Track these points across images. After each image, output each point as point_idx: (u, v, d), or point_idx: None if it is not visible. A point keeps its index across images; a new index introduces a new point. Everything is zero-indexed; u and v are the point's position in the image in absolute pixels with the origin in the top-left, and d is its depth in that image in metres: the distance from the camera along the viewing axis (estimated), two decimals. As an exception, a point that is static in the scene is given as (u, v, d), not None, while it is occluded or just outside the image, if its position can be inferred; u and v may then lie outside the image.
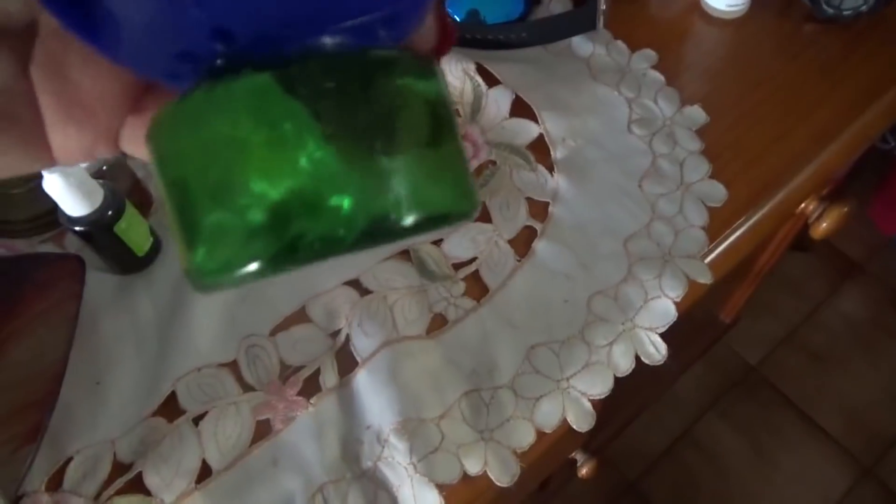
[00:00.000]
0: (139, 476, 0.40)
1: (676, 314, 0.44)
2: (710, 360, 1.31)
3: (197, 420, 0.41)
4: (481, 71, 0.55)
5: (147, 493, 0.39)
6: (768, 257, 0.96)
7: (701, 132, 0.52)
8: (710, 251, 0.47)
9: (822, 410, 1.27)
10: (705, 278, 0.46)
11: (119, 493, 0.39)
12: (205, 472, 0.40)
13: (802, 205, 0.61)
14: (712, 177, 0.50)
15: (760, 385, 1.31)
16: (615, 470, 1.21)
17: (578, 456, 0.90)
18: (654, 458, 1.23)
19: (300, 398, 0.42)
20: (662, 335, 0.44)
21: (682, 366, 1.25)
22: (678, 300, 0.45)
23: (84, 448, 0.41)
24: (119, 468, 0.40)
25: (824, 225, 0.64)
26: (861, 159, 0.78)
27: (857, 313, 1.37)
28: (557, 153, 0.51)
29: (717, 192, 0.49)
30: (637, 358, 0.43)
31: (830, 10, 0.57)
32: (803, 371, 1.31)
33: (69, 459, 0.40)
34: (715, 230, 0.48)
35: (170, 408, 0.42)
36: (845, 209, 0.63)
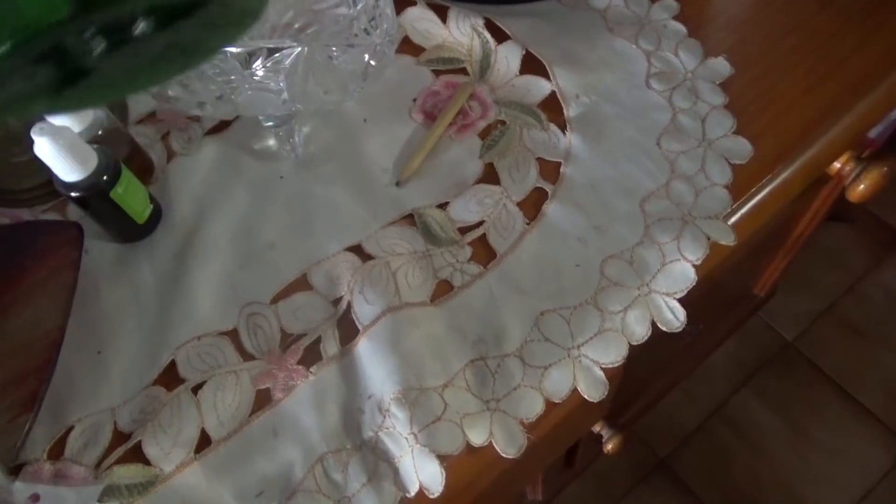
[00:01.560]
0: (139, 445, 0.39)
1: (696, 278, 0.41)
2: (744, 334, 1.27)
3: (196, 389, 0.40)
4: (490, 26, 0.52)
5: (147, 462, 0.39)
6: (804, 227, 0.92)
7: (725, 85, 0.49)
8: (734, 211, 0.44)
9: (863, 387, 1.22)
10: (728, 240, 0.43)
11: (119, 462, 0.39)
12: (204, 442, 0.39)
13: (837, 164, 0.57)
14: (737, 132, 0.47)
15: (797, 361, 1.26)
16: (645, 446, 1.19)
17: (604, 431, 0.88)
18: (686, 435, 1.20)
19: (300, 367, 0.41)
20: (686, 303, 0.41)
21: (716, 341, 1.21)
22: (698, 263, 0.42)
23: (85, 417, 0.40)
24: (119, 437, 0.40)
25: (862, 187, 0.60)
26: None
27: (900, 286, 1.32)
28: (570, 111, 0.48)
29: (742, 149, 0.46)
30: (654, 325, 0.41)
31: (870, -48, 0.53)
32: (843, 346, 1.27)
33: (70, 428, 0.40)
34: (739, 189, 0.45)
35: (170, 377, 0.41)
36: (885, 169, 0.58)
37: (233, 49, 0.37)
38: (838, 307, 1.31)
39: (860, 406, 1.20)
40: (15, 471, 0.38)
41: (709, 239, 0.42)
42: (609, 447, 0.87)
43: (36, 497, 0.34)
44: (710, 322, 1.07)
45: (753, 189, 0.45)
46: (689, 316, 0.41)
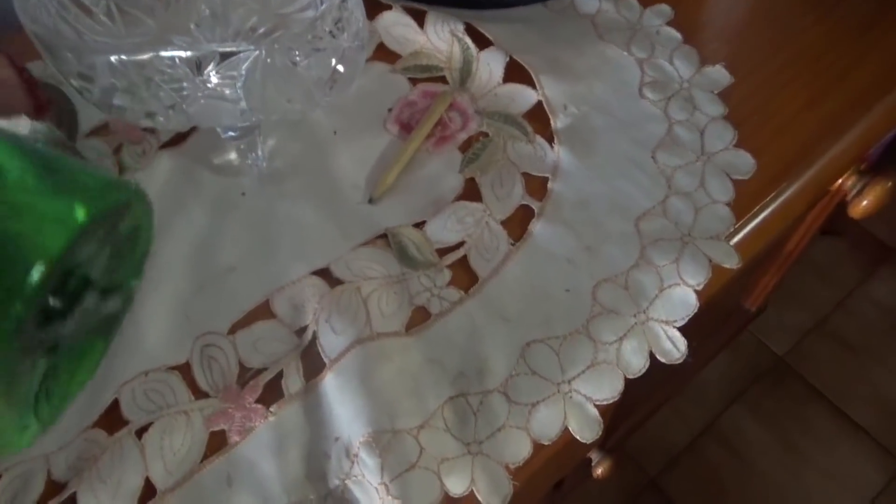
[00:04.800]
0: (74, 497, 0.35)
1: (698, 304, 0.38)
2: (734, 350, 1.25)
3: (141, 432, 0.36)
4: (471, 32, 0.48)
5: (83, 518, 0.34)
6: (798, 241, 0.89)
7: (724, 95, 0.46)
8: (737, 231, 0.41)
9: (855, 403, 1.20)
10: (731, 262, 0.39)
11: (51, 519, 0.34)
12: (149, 492, 0.35)
13: (840, 179, 0.54)
14: (738, 145, 0.43)
15: (789, 376, 1.24)
16: (635, 465, 1.15)
17: (593, 455, 0.84)
18: (676, 454, 1.17)
19: (259, 406, 0.36)
20: (681, 328, 0.38)
21: (705, 357, 1.18)
22: (699, 288, 0.38)
23: (15, 465, 0.35)
24: (53, 488, 0.35)
25: (865, 202, 0.57)
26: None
27: (890, 300, 1.30)
28: (558, 122, 0.45)
29: (744, 163, 0.43)
30: (652, 356, 0.37)
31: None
32: (834, 361, 1.24)
33: (-2, 478, 0.35)
34: (742, 207, 0.41)
35: (112, 418, 0.37)
36: (889, 184, 0.56)
37: (181, 53, 0.33)
38: (829, 322, 1.29)
39: (852, 423, 1.18)
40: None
41: (710, 261, 0.39)
42: (599, 471, 0.83)
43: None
44: (700, 339, 1.04)
45: (757, 207, 0.41)
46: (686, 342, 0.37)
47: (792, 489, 1.13)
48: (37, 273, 0.14)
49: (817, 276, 1.34)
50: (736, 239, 0.40)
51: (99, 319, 0.19)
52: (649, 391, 1.01)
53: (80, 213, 0.16)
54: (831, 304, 1.32)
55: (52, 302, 0.16)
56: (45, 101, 0.30)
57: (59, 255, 0.15)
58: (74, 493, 0.34)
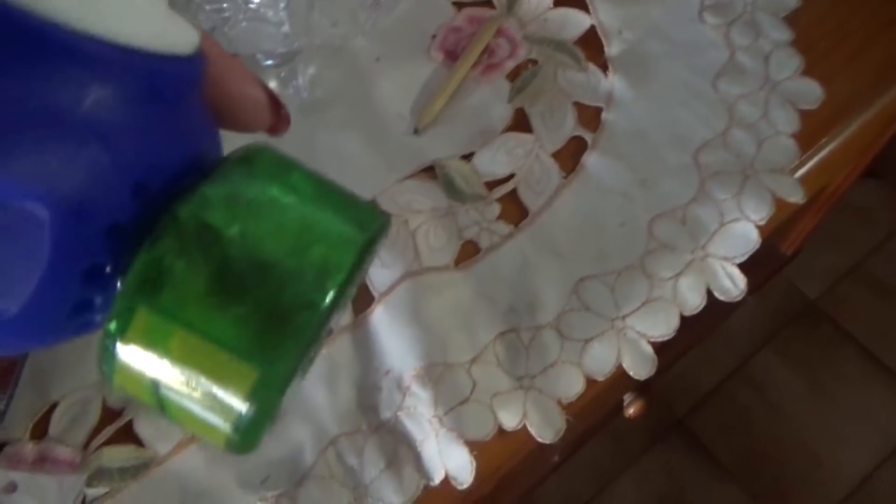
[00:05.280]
0: (130, 424, 0.35)
1: (759, 240, 0.36)
2: (766, 293, 1.23)
3: (193, 363, 0.36)
4: (521, -49, 0.45)
5: (140, 443, 0.35)
6: (842, 180, 0.86)
7: (791, 19, 0.43)
8: (802, 163, 0.39)
9: (887, 347, 1.18)
10: (796, 197, 0.37)
11: (109, 442, 0.35)
12: (204, 421, 0.35)
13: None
14: (804, 73, 0.41)
15: (821, 320, 1.22)
16: (662, 406, 1.16)
17: (626, 395, 0.84)
18: (704, 395, 1.17)
19: (309, 338, 0.36)
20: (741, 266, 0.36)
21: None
22: (762, 223, 0.37)
23: (70, 393, 0.36)
24: (109, 415, 0.36)
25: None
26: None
27: (930, 244, 1.26)
28: (612, 48, 0.43)
29: (811, 92, 0.40)
30: (709, 293, 0.36)
31: None
32: (868, 306, 1.22)
33: (54, 405, 0.36)
34: (808, 138, 0.39)
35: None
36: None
37: (224, -31, 0.31)
38: (864, 266, 1.26)
39: (883, 366, 1.17)
40: (-7, 453, 0.34)
41: (773, 195, 0.37)
42: (630, 411, 0.83)
43: (13, 487, 0.30)
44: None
45: (824, 139, 0.39)
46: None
47: (820, 432, 1.13)
48: (331, 290, 0.15)
49: (855, 219, 1.30)
50: (801, 172, 0.39)
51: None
52: (680, 331, 1.00)
53: (363, 233, 0.17)
54: (868, 247, 1.28)
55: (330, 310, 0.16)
56: (286, 115, 0.27)
57: (348, 273, 0.16)
58: (131, 420, 0.35)
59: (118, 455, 0.34)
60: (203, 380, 0.15)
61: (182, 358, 0.15)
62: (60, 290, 0.14)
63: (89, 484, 0.34)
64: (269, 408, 0.15)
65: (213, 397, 0.15)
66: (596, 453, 1.11)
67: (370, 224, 0.17)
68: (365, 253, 0.17)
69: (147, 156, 0.15)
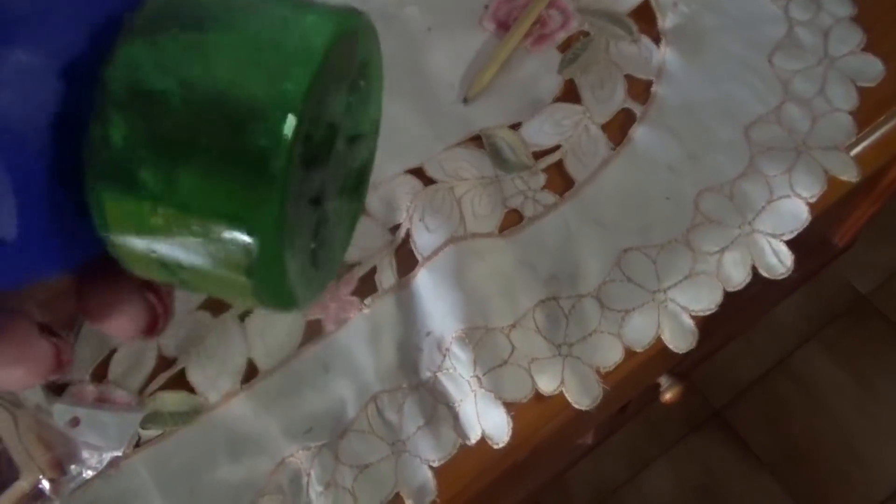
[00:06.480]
0: (183, 372, 0.37)
1: (809, 217, 0.36)
2: (815, 285, 1.19)
3: (244, 317, 0.38)
4: (576, -79, 0.45)
5: (191, 390, 0.36)
6: (902, 170, 0.83)
7: (854, -6, 0.42)
8: (858, 141, 0.38)
9: (940, 347, 1.14)
10: (850, 175, 0.37)
11: (163, 388, 0.37)
12: (252, 372, 0.37)
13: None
14: (865, 49, 0.40)
15: (871, 316, 1.19)
16: (700, 396, 1.14)
17: (662, 379, 0.84)
18: (744, 387, 1.15)
19: (354, 298, 0.37)
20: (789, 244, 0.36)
21: (784, 291, 1.14)
22: (813, 201, 0.36)
23: (128, 340, 0.38)
24: (164, 363, 0.37)
25: None
26: None
27: None
28: (667, 21, 0.42)
29: (872, 68, 0.39)
30: (754, 270, 0.36)
31: None
32: (922, 303, 1.18)
33: (113, 351, 0.38)
34: (865, 116, 0.38)
35: (216, 301, 0.38)
36: None
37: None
38: (921, 261, 1.22)
39: (934, 367, 1.13)
40: (58, 391, 0.36)
41: (826, 173, 0.37)
42: (667, 397, 0.83)
43: (76, 421, 0.32)
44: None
45: (883, 117, 0.38)
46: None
47: (862, 429, 1.10)
48: (290, 123, 0.13)
49: (914, 213, 1.25)
50: (857, 150, 0.38)
51: (351, 174, 0.18)
52: (722, 321, 0.99)
53: (317, 47, 0.14)
54: (926, 242, 1.24)
55: (305, 149, 0.15)
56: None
57: (313, 84, 0.14)
58: (184, 369, 0.37)
59: (171, 400, 0.36)
60: (199, 244, 0.14)
61: (169, 230, 0.14)
62: (47, 206, 0.14)
63: (143, 426, 0.36)
64: (271, 247, 0.14)
65: (215, 257, 0.14)
66: (631, 439, 1.11)
67: (334, 25, 0.14)
68: (341, 64, 0.15)
69: (68, 32, 0.14)
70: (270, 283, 0.15)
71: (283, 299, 0.16)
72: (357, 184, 0.20)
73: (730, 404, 1.15)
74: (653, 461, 1.12)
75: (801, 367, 1.16)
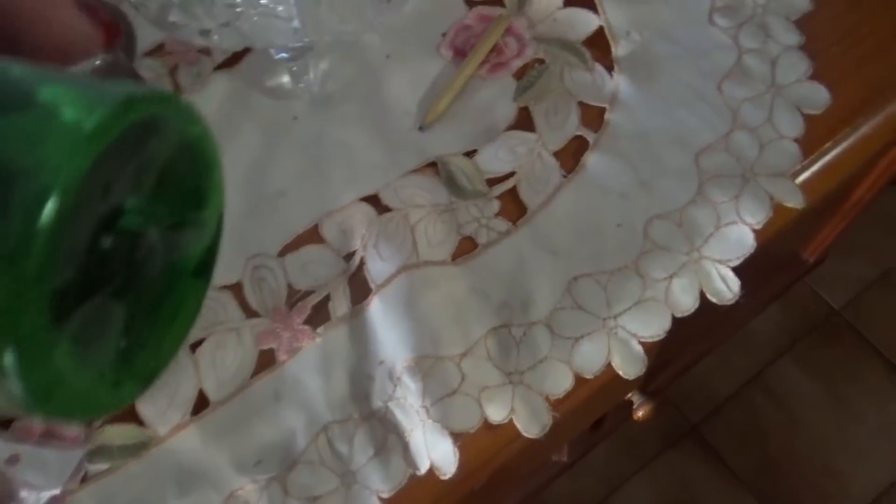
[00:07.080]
0: (133, 404, 0.36)
1: (755, 244, 0.36)
2: (788, 301, 1.21)
3: (195, 347, 0.37)
4: (531, -49, 0.46)
5: (141, 422, 0.36)
6: (866, 189, 0.84)
7: (801, 23, 0.43)
8: (804, 169, 0.38)
9: (912, 361, 1.16)
10: (795, 201, 0.37)
11: (112, 421, 0.36)
12: (202, 403, 0.36)
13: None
14: (812, 77, 0.41)
15: (844, 330, 1.20)
16: (676, 411, 1.15)
17: (635, 397, 0.84)
18: (720, 402, 1.16)
19: (307, 327, 0.37)
20: (736, 270, 0.36)
21: (757, 306, 1.15)
22: (758, 227, 0.37)
23: (78, 370, 0.38)
24: (114, 394, 0.37)
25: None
26: None
27: (962, 256, 1.23)
28: (619, 49, 0.43)
29: (817, 96, 0.40)
30: (703, 295, 0.36)
31: None
32: (894, 317, 1.20)
33: (63, 382, 0.37)
34: (811, 143, 0.39)
35: (168, 331, 0.38)
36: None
37: (233, -35, 0.32)
38: (891, 276, 1.24)
39: (908, 380, 1.14)
40: (3, 426, 0.36)
41: (772, 199, 0.37)
42: (640, 414, 0.83)
43: (15, 458, 0.31)
44: (752, 287, 1.01)
45: (828, 144, 0.39)
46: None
47: (839, 443, 1.11)
48: (51, 206, 0.12)
49: (883, 228, 1.27)
50: (802, 177, 0.38)
51: (181, 259, 0.17)
52: (695, 337, 1.00)
53: (88, 128, 0.13)
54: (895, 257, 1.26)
55: (101, 240, 0.13)
56: (114, 24, 0.28)
57: (76, 182, 0.12)
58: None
59: (120, 433, 0.36)
60: None
61: None
62: None
63: (90, 460, 0.35)
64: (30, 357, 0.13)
65: None
66: (608, 456, 1.11)
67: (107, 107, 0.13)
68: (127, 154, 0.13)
69: None
70: (41, 391, 0.14)
71: (70, 407, 0.15)
72: (200, 268, 0.19)
73: (706, 420, 1.15)
74: (630, 477, 1.12)
75: (776, 381, 1.17)
